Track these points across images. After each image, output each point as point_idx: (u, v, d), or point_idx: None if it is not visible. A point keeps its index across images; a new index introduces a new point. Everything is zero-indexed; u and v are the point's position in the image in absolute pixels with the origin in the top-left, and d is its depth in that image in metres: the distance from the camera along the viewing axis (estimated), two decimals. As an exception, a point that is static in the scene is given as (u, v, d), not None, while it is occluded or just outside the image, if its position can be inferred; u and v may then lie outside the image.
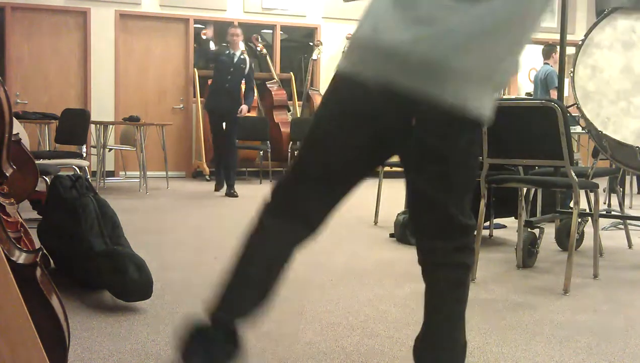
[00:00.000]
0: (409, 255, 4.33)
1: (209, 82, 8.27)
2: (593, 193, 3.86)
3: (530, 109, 3.62)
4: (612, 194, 6.06)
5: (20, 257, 1.74)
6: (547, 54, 8.43)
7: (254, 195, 7.85)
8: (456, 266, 1.74)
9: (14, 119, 2.13)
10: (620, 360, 2.44)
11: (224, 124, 7.56)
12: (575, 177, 3.46)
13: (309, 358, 2.40)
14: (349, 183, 1.78)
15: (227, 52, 7.68)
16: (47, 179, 4.58)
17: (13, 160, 1.90)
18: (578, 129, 6.21)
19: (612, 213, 5.56)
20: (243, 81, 7.64)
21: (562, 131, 3.39)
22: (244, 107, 7.57)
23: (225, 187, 7.60)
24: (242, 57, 7.68)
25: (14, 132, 2.04)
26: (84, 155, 7.01)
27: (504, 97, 11.46)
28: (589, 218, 4.43)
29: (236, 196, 7.36)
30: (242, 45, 8.00)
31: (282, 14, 10.32)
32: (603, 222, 5.39)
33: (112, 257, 3.04)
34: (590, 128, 3.93)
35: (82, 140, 7.02)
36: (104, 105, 9.46)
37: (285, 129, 9.78)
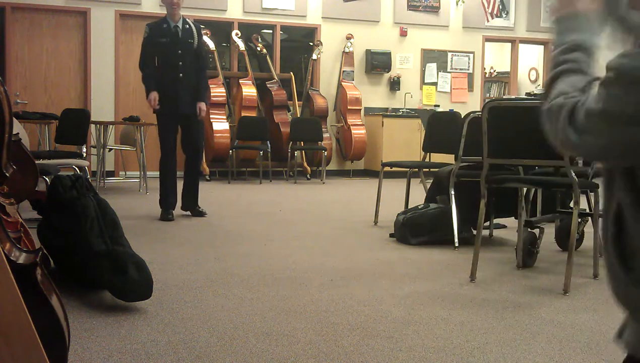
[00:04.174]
0: (409, 255, 4.33)
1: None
2: (593, 194, 3.86)
3: (530, 109, 3.62)
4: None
5: (20, 257, 1.74)
6: None
7: (250, 195, 7.84)
8: None
9: (14, 119, 2.13)
10: (620, 360, 2.44)
11: (178, 127, 5.82)
12: (575, 177, 3.46)
13: (309, 358, 2.40)
14: None
15: (166, 25, 5.70)
16: (47, 178, 4.58)
17: (13, 160, 1.90)
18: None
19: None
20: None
21: (562, 131, 3.38)
22: (202, 106, 5.69)
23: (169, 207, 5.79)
24: (187, 27, 5.73)
25: (14, 132, 2.04)
26: (84, 155, 7.01)
27: (504, 97, 11.48)
28: (589, 218, 4.43)
29: (205, 214, 5.87)
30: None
31: (282, 14, 10.32)
32: (603, 222, 5.38)
33: (112, 257, 3.04)
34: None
35: (82, 140, 7.02)
36: (104, 105, 9.46)
37: (285, 129, 9.78)
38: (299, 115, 10.13)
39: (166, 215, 5.68)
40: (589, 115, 1.04)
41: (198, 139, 5.88)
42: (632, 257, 1.05)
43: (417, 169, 5.92)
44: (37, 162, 3.48)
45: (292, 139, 9.60)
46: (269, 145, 9.38)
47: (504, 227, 5.41)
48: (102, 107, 9.37)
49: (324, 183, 9.39)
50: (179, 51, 5.67)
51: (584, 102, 1.07)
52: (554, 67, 1.19)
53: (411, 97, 10.98)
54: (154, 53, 5.71)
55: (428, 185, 5.37)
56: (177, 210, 5.92)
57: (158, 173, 5.93)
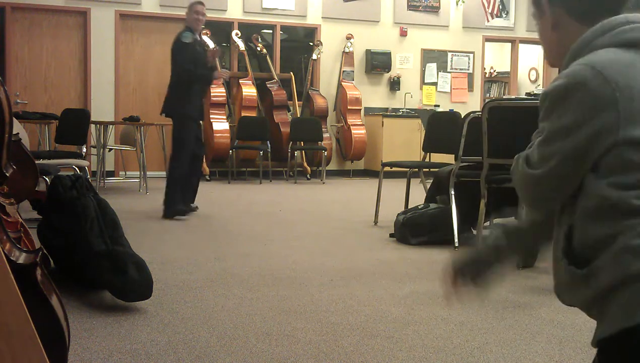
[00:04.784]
0: (409, 255, 4.33)
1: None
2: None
3: (530, 109, 3.62)
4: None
5: (20, 257, 1.74)
6: None
7: (250, 195, 7.84)
8: None
9: (14, 119, 2.13)
10: (620, 360, 2.44)
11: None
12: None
13: (309, 358, 2.40)
14: None
15: (195, 37, 6.04)
16: (47, 178, 4.58)
17: (13, 160, 1.90)
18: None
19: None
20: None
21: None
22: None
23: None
24: (201, 40, 6.23)
25: (14, 132, 2.04)
26: (84, 155, 7.01)
27: (504, 97, 11.48)
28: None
29: (197, 208, 6.11)
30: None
31: (282, 14, 10.32)
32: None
33: (112, 257, 3.04)
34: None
35: (82, 140, 7.02)
36: (104, 105, 9.46)
37: (285, 129, 9.77)
38: (299, 115, 10.13)
39: (183, 212, 5.75)
40: (540, 146, 1.23)
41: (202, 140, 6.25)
42: (583, 263, 1.18)
43: (417, 169, 5.92)
44: (37, 162, 3.48)
45: (292, 139, 9.60)
46: (269, 145, 9.38)
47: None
48: (102, 107, 9.36)
49: (324, 183, 9.39)
50: (205, 62, 5.99)
51: (533, 146, 1.26)
52: None
53: (411, 97, 10.98)
54: (189, 62, 5.87)
55: (428, 185, 5.37)
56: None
57: (164, 173, 6.06)
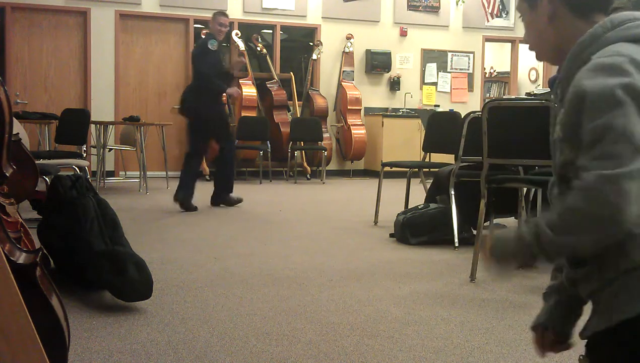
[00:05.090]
0: (409, 255, 4.33)
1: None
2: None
3: (530, 109, 3.62)
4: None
5: (20, 257, 1.74)
6: None
7: (250, 195, 7.84)
8: None
9: (14, 119, 2.13)
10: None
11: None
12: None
13: (309, 358, 2.40)
14: None
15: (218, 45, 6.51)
16: (47, 178, 4.58)
17: (13, 160, 1.90)
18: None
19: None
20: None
21: (562, 131, 3.39)
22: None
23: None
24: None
25: (14, 132, 2.04)
26: (84, 155, 7.01)
27: (504, 97, 11.47)
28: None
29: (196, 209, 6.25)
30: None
31: (282, 14, 10.32)
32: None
33: (112, 257, 3.04)
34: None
35: (82, 140, 7.02)
36: (104, 105, 9.46)
37: (285, 129, 9.77)
38: (299, 115, 10.13)
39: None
40: (612, 144, 1.08)
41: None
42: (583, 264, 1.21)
43: (417, 169, 5.92)
44: (37, 162, 3.48)
45: (292, 139, 9.60)
46: (269, 145, 9.38)
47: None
48: (102, 107, 9.36)
49: (324, 183, 9.39)
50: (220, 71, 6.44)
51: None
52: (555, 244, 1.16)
53: (411, 97, 10.98)
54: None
55: (428, 185, 5.37)
56: (171, 205, 5.92)
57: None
